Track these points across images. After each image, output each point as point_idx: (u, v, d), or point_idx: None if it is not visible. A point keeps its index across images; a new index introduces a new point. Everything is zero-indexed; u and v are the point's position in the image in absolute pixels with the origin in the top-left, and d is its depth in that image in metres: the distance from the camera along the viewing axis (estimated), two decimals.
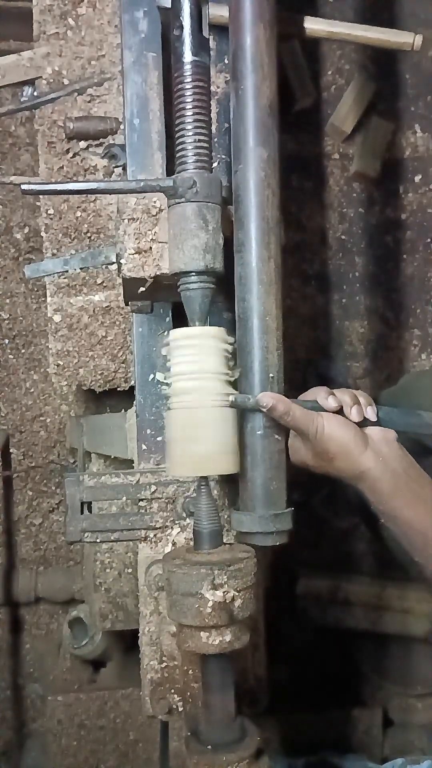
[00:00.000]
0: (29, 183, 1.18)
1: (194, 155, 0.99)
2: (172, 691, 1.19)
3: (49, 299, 1.46)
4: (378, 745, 1.84)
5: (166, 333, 1.22)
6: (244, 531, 1.07)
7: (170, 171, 1.11)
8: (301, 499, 1.92)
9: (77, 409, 2.00)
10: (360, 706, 1.86)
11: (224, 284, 1.05)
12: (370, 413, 1.05)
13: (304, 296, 2.06)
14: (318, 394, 1.05)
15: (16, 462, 2.08)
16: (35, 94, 1.50)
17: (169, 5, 1.04)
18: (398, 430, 1.06)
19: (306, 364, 2.04)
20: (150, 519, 1.21)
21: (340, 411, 1.04)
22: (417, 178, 2.08)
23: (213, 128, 1.04)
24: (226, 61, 1.22)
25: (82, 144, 1.43)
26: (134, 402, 1.29)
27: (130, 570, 1.50)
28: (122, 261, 1.08)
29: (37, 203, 1.91)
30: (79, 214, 1.43)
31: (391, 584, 1.83)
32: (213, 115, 1.03)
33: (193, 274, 1.00)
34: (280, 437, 1.06)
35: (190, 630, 0.97)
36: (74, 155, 1.44)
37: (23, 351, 2.06)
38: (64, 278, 1.44)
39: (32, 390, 2.07)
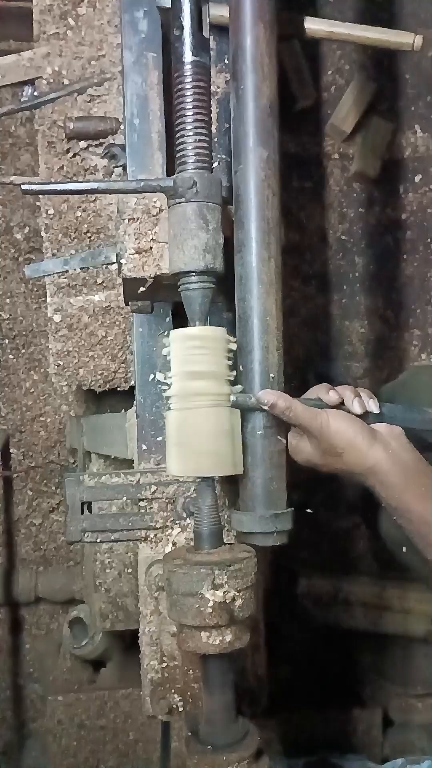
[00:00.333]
0: (29, 183, 1.18)
1: (194, 155, 0.99)
2: (173, 691, 1.19)
3: (49, 299, 1.46)
4: (378, 745, 1.84)
5: (166, 333, 1.22)
6: (245, 531, 1.07)
7: (170, 171, 1.11)
8: (302, 500, 1.92)
9: (77, 409, 2.00)
10: (360, 706, 1.86)
11: (224, 284, 1.05)
12: (373, 405, 1.05)
13: (304, 296, 2.05)
14: (319, 390, 1.05)
15: (16, 462, 2.08)
16: (35, 94, 1.50)
17: (169, 5, 1.04)
18: (401, 427, 1.06)
19: (306, 364, 2.04)
20: (150, 519, 1.21)
21: (342, 406, 1.04)
22: (417, 178, 2.08)
23: (213, 128, 1.04)
24: (226, 61, 1.22)
25: (82, 144, 1.43)
26: (134, 402, 1.29)
27: (130, 570, 1.50)
28: (122, 261, 1.08)
29: (37, 203, 1.91)
30: (79, 214, 1.43)
31: (391, 584, 1.83)
32: (213, 115, 1.03)
33: (194, 274, 1.00)
34: (281, 437, 1.07)
35: (190, 630, 0.97)
36: (74, 155, 1.44)
37: (23, 351, 2.06)
38: (64, 278, 1.45)
39: (32, 390, 2.07)
